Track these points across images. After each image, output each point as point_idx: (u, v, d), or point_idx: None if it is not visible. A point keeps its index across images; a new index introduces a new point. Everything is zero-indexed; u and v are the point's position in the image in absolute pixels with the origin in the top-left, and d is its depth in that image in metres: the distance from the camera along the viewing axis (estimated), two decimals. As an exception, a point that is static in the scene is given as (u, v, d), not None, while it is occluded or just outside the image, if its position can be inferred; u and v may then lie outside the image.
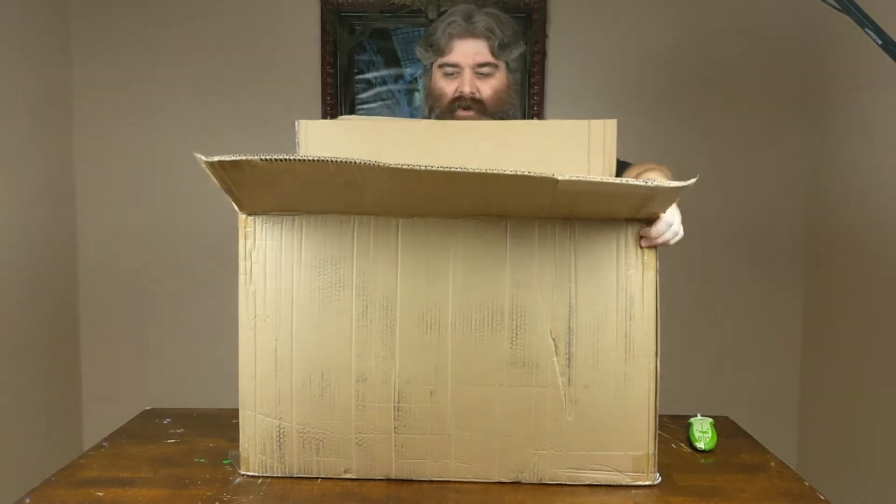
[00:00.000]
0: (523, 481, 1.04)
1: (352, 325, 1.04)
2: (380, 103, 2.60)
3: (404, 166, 0.88)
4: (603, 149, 1.09)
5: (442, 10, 2.41)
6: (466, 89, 1.39)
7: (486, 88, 1.40)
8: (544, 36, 2.55)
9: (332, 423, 1.04)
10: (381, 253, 1.04)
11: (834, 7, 1.13)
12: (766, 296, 2.63)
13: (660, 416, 1.04)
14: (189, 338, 2.62)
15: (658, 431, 1.04)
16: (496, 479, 1.05)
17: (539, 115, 2.54)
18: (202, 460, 1.13)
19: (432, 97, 1.45)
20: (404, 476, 1.05)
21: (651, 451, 1.04)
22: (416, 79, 2.56)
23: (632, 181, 0.93)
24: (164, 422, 1.31)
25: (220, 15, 2.56)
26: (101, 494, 1.01)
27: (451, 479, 1.05)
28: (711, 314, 2.63)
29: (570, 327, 1.03)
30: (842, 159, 2.39)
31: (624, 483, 1.04)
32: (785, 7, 2.54)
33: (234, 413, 1.07)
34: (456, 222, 1.04)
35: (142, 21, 2.56)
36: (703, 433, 1.21)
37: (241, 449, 1.07)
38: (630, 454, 1.03)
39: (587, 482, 1.04)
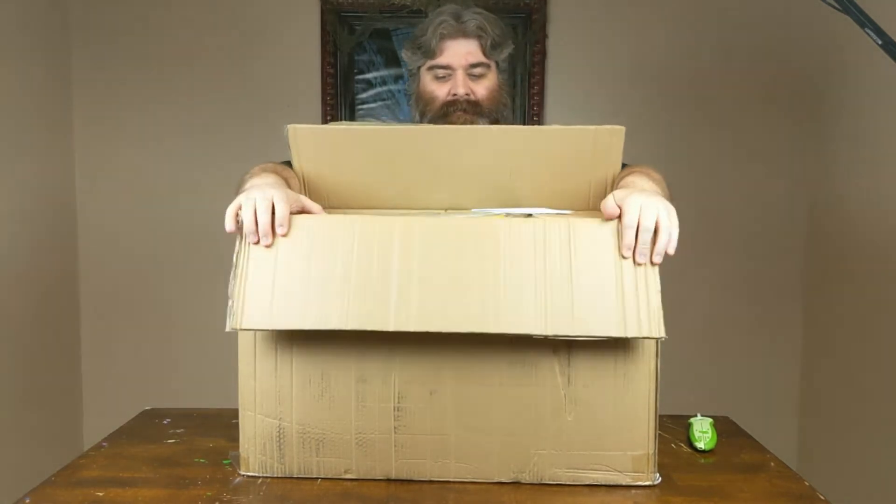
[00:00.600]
0: (523, 481, 1.04)
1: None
2: (380, 103, 2.60)
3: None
4: (608, 157, 1.09)
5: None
6: (461, 91, 1.35)
7: (480, 89, 1.37)
8: (544, 36, 2.55)
9: (332, 423, 1.04)
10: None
11: (834, 7, 1.13)
12: (767, 296, 2.63)
13: (660, 416, 1.04)
14: (189, 338, 2.62)
15: (658, 431, 1.04)
16: (496, 479, 1.05)
17: (539, 116, 2.54)
18: (202, 460, 1.13)
19: (423, 101, 1.40)
20: (404, 476, 1.05)
21: (651, 451, 1.03)
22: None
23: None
24: (164, 422, 1.31)
25: (221, 15, 2.56)
26: (100, 494, 1.01)
27: (451, 479, 1.05)
28: (711, 314, 2.63)
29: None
30: (842, 159, 2.39)
31: (624, 483, 1.04)
32: (785, 7, 2.54)
33: (234, 413, 1.07)
34: (454, 219, 1.04)
35: (142, 21, 2.56)
36: (703, 433, 1.21)
37: (241, 449, 1.07)
38: (630, 454, 1.03)
39: (587, 482, 1.04)
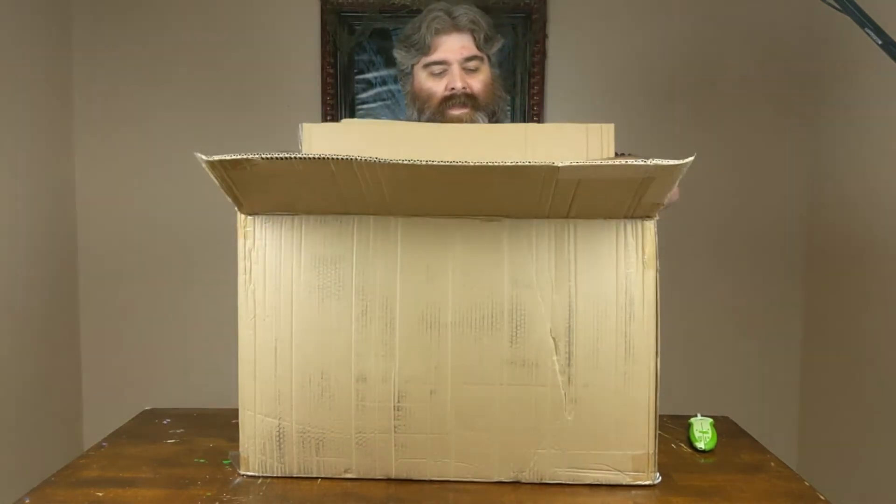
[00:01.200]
0: (523, 481, 1.04)
1: (351, 324, 1.04)
2: (380, 103, 2.60)
3: (404, 161, 0.88)
4: (600, 153, 1.09)
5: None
6: (458, 84, 1.35)
7: (476, 83, 1.37)
8: (544, 36, 2.55)
9: (332, 422, 1.04)
10: (380, 252, 1.04)
11: (834, 7, 1.13)
12: (766, 295, 2.63)
13: (660, 416, 1.04)
14: (189, 338, 2.62)
15: (658, 431, 1.04)
16: (496, 479, 1.05)
17: (539, 115, 2.54)
18: (202, 460, 1.13)
19: (420, 99, 1.40)
20: (404, 476, 1.05)
21: (651, 451, 1.03)
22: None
23: (630, 161, 0.92)
24: (164, 422, 1.31)
25: (220, 15, 2.56)
26: (100, 494, 1.00)
27: (451, 479, 1.05)
28: (712, 314, 2.63)
29: (569, 326, 1.03)
30: (841, 158, 2.39)
31: (624, 483, 1.04)
32: (785, 7, 2.54)
33: (234, 413, 1.07)
34: (455, 222, 1.04)
35: (142, 21, 2.56)
36: (703, 433, 1.21)
37: (240, 449, 1.07)
38: (630, 454, 1.03)
39: (587, 482, 1.04)
